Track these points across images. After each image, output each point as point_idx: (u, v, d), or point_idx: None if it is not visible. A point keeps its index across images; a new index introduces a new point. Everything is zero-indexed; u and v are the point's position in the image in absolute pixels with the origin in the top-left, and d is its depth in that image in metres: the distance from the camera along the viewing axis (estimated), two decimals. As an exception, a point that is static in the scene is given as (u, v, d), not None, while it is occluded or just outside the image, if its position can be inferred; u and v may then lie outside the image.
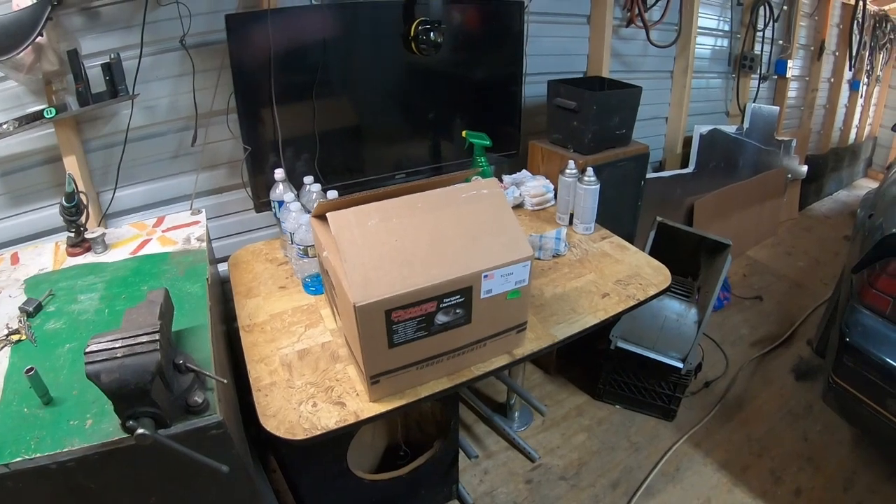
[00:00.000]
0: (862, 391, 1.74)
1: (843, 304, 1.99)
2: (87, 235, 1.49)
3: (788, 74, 3.48)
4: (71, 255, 1.48)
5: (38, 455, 0.89)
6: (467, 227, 1.17)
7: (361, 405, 1.17)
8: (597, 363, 2.30)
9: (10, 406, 0.99)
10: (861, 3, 3.89)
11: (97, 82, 1.54)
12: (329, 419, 1.13)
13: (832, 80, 4.19)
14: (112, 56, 1.53)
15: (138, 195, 1.76)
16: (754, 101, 3.29)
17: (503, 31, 1.93)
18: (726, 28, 3.10)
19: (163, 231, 1.59)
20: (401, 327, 1.08)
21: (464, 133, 1.75)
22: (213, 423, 0.95)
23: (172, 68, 1.66)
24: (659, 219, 2.15)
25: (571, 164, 1.83)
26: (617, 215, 2.02)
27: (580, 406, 2.36)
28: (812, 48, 3.83)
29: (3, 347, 1.14)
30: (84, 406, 0.98)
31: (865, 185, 5.24)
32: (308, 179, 1.60)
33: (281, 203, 1.57)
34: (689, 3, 2.67)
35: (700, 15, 2.80)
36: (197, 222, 1.64)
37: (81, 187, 1.50)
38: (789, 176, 3.66)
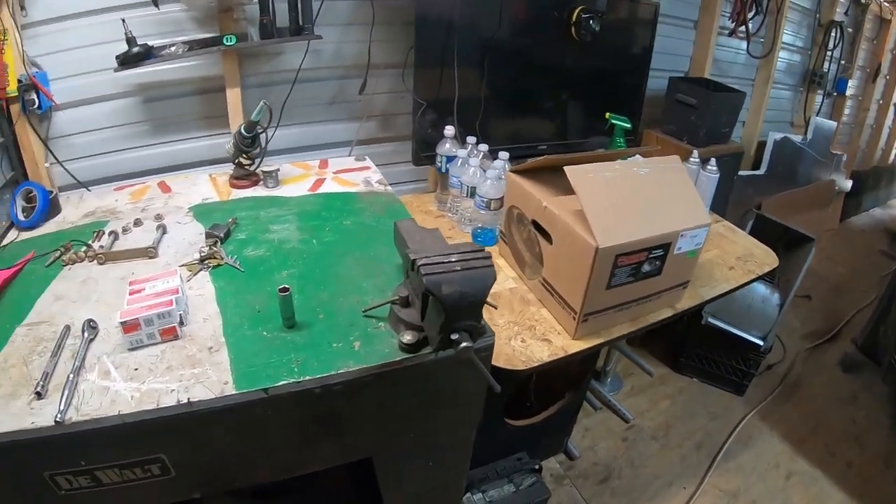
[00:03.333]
0: None
1: None
2: (264, 168, 1.52)
3: (847, 93, 3.71)
4: (236, 186, 1.51)
5: (306, 378, 0.87)
6: (667, 192, 1.37)
7: (566, 342, 1.33)
8: (681, 337, 2.53)
9: (242, 329, 0.97)
10: None
11: (280, 18, 1.57)
12: (541, 353, 1.28)
13: (881, 101, 4.43)
14: None
15: (293, 136, 1.84)
16: (817, 115, 3.53)
17: (640, 27, 2.13)
18: (800, 45, 3.33)
19: (333, 173, 1.66)
20: (619, 271, 1.27)
21: (607, 115, 1.95)
22: (489, 344, 1.01)
23: (350, 16, 1.74)
24: (755, 210, 2.37)
25: (696, 153, 2.03)
26: (711, 205, 2.23)
27: (662, 376, 2.59)
28: (868, 70, 4.07)
29: (198, 272, 1.13)
30: (339, 330, 0.97)
31: None
32: (471, 139, 1.73)
33: (450, 158, 1.72)
34: (781, 19, 2.89)
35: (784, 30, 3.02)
36: (367, 167, 1.72)
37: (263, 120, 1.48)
38: (837, 188, 3.89)
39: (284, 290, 0.94)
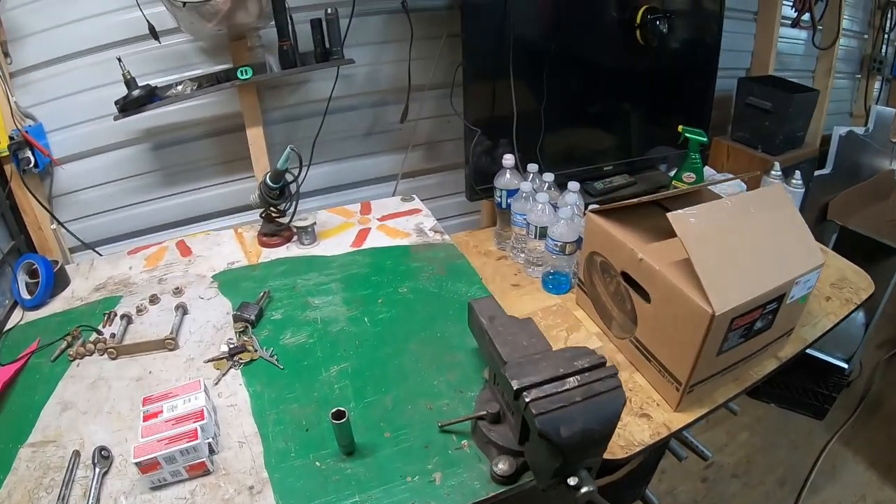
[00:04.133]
0: None
1: None
2: (297, 223, 1.33)
3: (905, 77, 3.43)
4: (266, 245, 1.33)
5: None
6: (776, 231, 1.15)
7: (667, 416, 1.13)
8: (760, 363, 2.31)
9: (288, 458, 0.80)
10: None
11: (302, 41, 1.37)
12: (642, 434, 1.09)
13: None
14: (329, 11, 1.34)
15: (328, 174, 1.65)
16: (877, 103, 3.26)
17: (706, 24, 1.88)
18: (857, 29, 3.07)
19: (378, 220, 1.47)
20: (732, 335, 1.06)
21: (680, 128, 1.72)
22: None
23: (384, 32, 1.54)
24: (839, 222, 2.13)
25: (777, 165, 1.80)
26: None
27: (739, 402, 2.37)
28: None
29: (228, 370, 0.94)
30: (412, 454, 0.80)
31: None
32: (532, 167, 1.50)
33: (511, 192, 1.48)
34: (839, 5, 2.63)
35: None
36: (417, 210, 1.53)
37: (290, 164, 1.27)
38: (896, 178, 3.63)
39: (340, 415, 0.76)
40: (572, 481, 0.68)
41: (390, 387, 0.92)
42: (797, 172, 1.73)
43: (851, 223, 2.75)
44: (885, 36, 3.15)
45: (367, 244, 1.36)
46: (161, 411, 0.82)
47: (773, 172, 1.79)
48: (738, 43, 2.37)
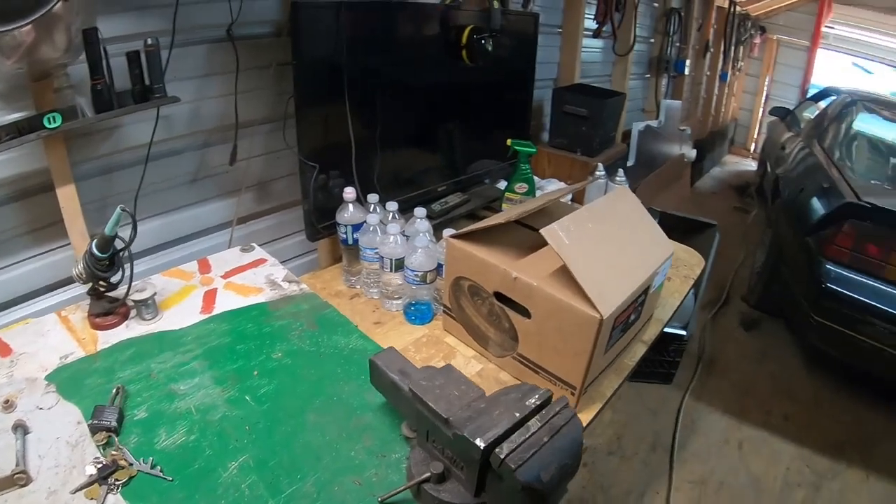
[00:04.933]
0: (839, 322, 2.22)
1: (793, 263, 2.44)
2: (134, 297, 1.11)
3: (686, 72, 3.98)
4: (101, 327, 1.10)
5: None
6: (632, 231, 1.24)
7: None
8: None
9: None
10: (733, 6, 4.59)
11: (118, 77, 1.17)
12: None
13: (708, 73, 4.87)
14: (149, 42, 1.16)
15: (155, 231, 1.46)
16: (665, 98, 3.73)
17: (524, 40, 1.99)
18: (646, 35, 3.50)
19: (222, 277, 1.31)
20: (615, 332, 1.11)
21: (509, 141, 1.78)
22: None
23: (206, 64, 1.38)
24: (658, 209, 2.37)
25: (601, 166, 1.95)
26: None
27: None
28: (697, 48, 4.42)
29: (105, 498, 0.74)
30: None
31: (731, 161, 6.29)
32: (373, 198, 1.42)
33: (357, 227, 1.40)
34: (633, 15, 2.96)
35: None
36: (262, 260, 1.39)
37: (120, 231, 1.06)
38: (686, 160, 4.18)
39: None
40: None
41: (306, 471, 0.80)
42: (620, 170, 1.90)
43: (658, 205, 3.12)
44: (670, 39, 3.65)
45: (217, 308, 1.20)
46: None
47: (597, 173, 1.94)
48: (546, 55, 2.55)
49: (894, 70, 6.33)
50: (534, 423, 0.67)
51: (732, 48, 5.39)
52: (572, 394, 1.12)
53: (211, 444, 0.83)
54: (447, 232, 1.32)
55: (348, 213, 1.40)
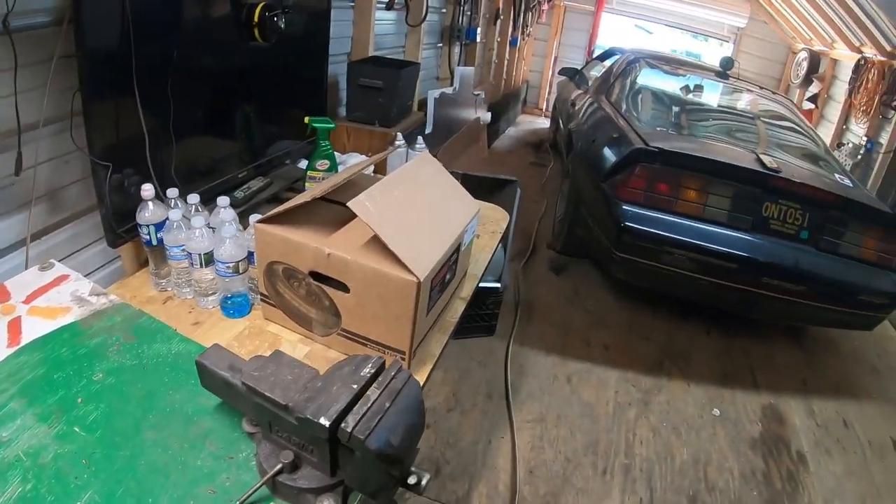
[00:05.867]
0: (639, 255, 2.49)
1: (592, 208, 2.70)
2: None
3: (477, 39, 4.17)
4: None
5: None
6: (438, 193, 1.30)
7: None
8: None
9: None
10: None
11: None
12: None
13: (499, 39, 5.14)
14: None
15: None
16: (459, 65, 3.89)
17: (316, 16, 1.94)
18: (437, 5, 3.58)
19: (24, 303, 1.16)
20: (433, 293, 1.16)
21: (306, 119, 1.75)
22: None
23: None
24: (459, 172, 2.49)
25: (400, 136, 2.00)
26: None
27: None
28: (488, 16, 4.63)
29: None
30: None
31: (525, 120, 6.76)
32: (172, 192, 1.35)
33: (159, 226, 1.31)
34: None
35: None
36: (65, 276, 1.25)
37: None
38: (482, 122, 4.42)
39: None
40: (412, 480, 0.70)
41: (157, 493, 0.76)
42: (419, 138, 1.97)
43: (459, 168, 3.28)
44: (461, 9, 3.78)
45: (25, 338, 1.05)
46: None
47: (396, 142, 1.99)
48: (339, 30, 2.52)
49: (671, 29, 7.29)
50: (373, 392, 0.69)
51: (522, 15, 5.76)
52: (402, 358, 1.17)
53: (50, 489, 0.75)
54: (254, 217, 1.28)
55: (148, 212, 1.30)
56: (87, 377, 0.95)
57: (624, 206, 2.54)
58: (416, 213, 1.19)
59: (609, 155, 2.77)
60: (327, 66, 2.03)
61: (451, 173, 2.47)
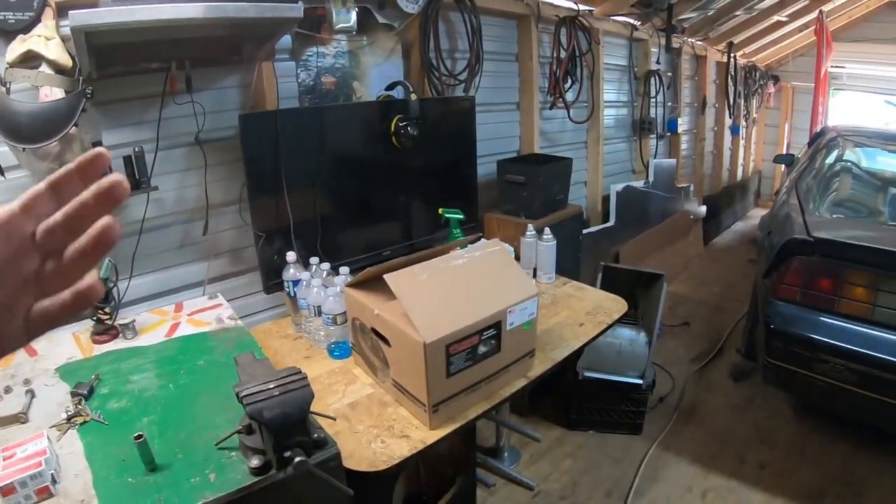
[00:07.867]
0: (791, 362, 2.19)
1: (761, 306, 2.45)
2: (119, 322, 1.61)
3: (679, 130, 4.14)
4: (98, 342, 1.57)
5: (168, 515, 0.97)
6: (490, 276, 1.48)
7: (424, 434, 1.36)
8: (566, 396, 2.60)
9: (109, 480, 1.04)
10: (732, 59, 4.72)
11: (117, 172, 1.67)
12: (401, 449, 1.30)
13: (716, 128, 4.95)
14: (136, 149, 1.66)
15: (149, 284, 1.88)
16: (654, 157, 3.90)
17: (459, 121, 2.31)
18: (625, 99, 3.72)
19: (187, 315, 1.74)
20: (455, 359, 1.33)
21: (440, 210, 2.08)
22: (333, 454, 1.09)
23: (185, 162, 1.85)
24: (602, 263, 2.55)
25: (531, 227, 2.19)
26: (562, 266, 2.30)
27: (558, 437, 2.60)
28: (695, 105, 4.56)
29: (67, 431, 1.20)
30: (196, 465, 1.06)
31: (757, 214, 6.14)
32: (314, 260, 1.80)
33: (296, 282, 1.77)
34: (597, 83, 3.24)
35: (604, 90, 3.37)
36: (219, 304, 1.80)
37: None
38: (692, 217, 4.27)
39: (139, 437, 1.03)
40: (287, 453, 0.95)
41: (185, 426, 1.20)
42: (546, 229, 2.12)
43: (655, 264, 3.20)
44: (651, 101, 3.83)
45: (177, 334, 1.63)
46: (15, 454, 1.04)
47: (527, 233, 2.17)
48: (506, 130, 2.87)
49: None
50: (273, 384, 0.99)
51: (742, 100, 5.42)
52: (425, 410, 1.36)
53: (138, 408, 1.28)
54: (347, 281, 1.63)
55: (290, 272, 1.81)
56: (194, 362, 1.46)
57: (777, 305, 2.24)
58: (456, 288, 1.40)
59: (770, 247, 2.50)
60: (475, 164, 2.36)
61: (601, 265, 2.58)
